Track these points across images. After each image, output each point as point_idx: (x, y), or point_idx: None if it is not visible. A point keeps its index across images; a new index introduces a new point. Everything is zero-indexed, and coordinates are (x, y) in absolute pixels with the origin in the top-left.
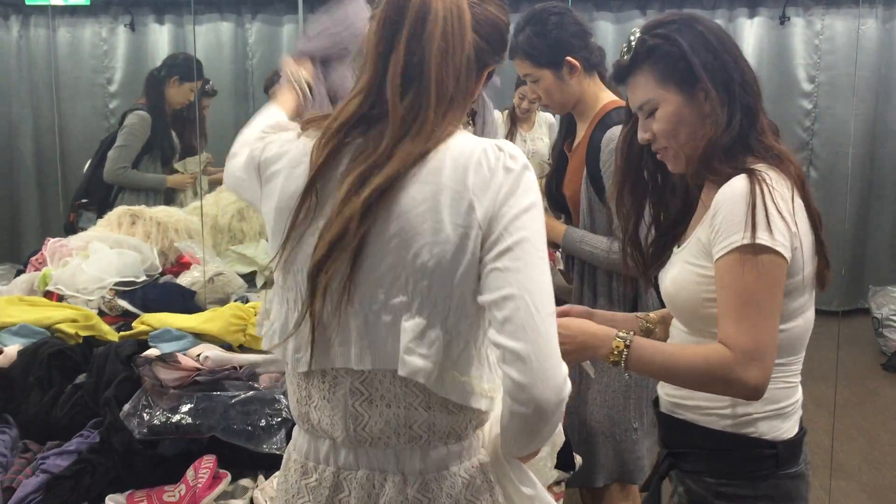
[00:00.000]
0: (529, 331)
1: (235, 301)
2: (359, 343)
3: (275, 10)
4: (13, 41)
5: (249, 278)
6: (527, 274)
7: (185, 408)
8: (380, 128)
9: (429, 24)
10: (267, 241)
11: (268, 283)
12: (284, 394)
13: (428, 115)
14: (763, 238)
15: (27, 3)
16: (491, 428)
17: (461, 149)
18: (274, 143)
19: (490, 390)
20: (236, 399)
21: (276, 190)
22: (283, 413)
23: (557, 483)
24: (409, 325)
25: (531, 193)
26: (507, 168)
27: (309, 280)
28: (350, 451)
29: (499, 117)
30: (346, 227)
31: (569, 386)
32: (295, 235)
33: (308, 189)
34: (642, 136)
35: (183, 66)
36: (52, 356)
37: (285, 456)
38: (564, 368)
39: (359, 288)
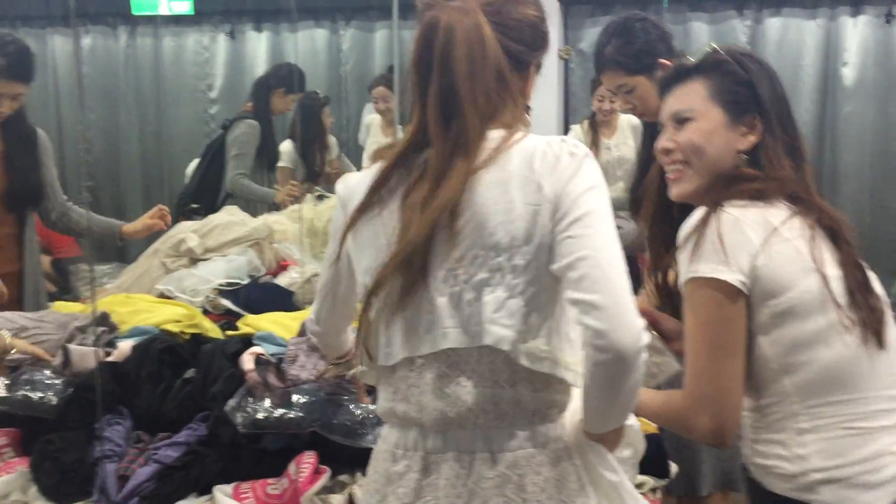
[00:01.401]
0: (604, 283)
1: None
2: (446, 323)
3: (368, 16)
4: (121, 50)
5: None
6: (597, 238)
7: (286, 404)
8: (429, 153)
9: (454, 52)
10: None
11: None
12: None
13: (470, 135)
14: (699, 270)
15: (133, 13)
16: (572, 416)
17: (527, 144)
18: (349, 180)
19: (573, 363)
20: (336, 396)
21: (344, 217)
22: None
23: (653, 490)
24: (490, 298)
25: (595, 176)
26: (570, 153)
27: (374, 287)
28: (438, 435)
29: (578, 132)
30: (414, 249)
31: (647, 336)
32: (362, 248)
33: (361, 207)
34: (663, 144)
35: (288, 77)
36: (163, 352)
37: (374, 450)
38: (641, 320)
39: (440, 273)
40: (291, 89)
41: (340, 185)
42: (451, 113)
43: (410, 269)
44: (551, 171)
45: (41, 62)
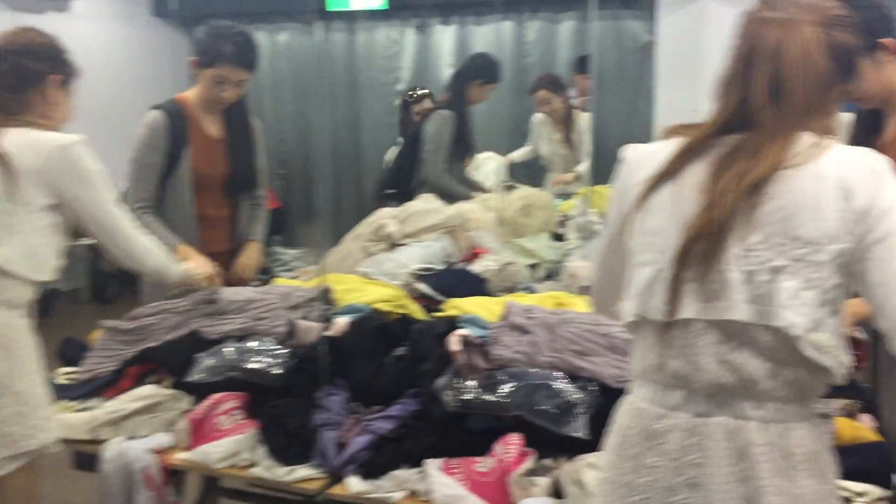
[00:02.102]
0: None
1: (522, 290)
2: (735, 297)
3: (553, 8)
4: (316, 45)
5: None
6: None
7: (493, 387)
8: (745, 135)
9: (786, 51)
10: (548, 236)
11: (551, 276)
12: (589, 380)
13: (790, 124)
14: None
15: (327, 9)
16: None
17: (839, 151)
18: (639, 148)
19: (847, 362)
20: (542, 382)
21: (631, 181)
22: (587, 400)
23: (878, 500)
24: (788, 285)
25: None
26: (877, 170)
27: (680, 257)
28: (709, 399)
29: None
30: (716, 223)
31: None
32: (650, 211)
33: (662, 174)
34: None
35: (486, 69)
36: (375, 329)
37: (625, 407)
38: None
39: (735, 250)
40: (489, 79)
41: (630, 152)
42: (775, 102)
43: (708, 241)
44: (862, 182)
45: None
